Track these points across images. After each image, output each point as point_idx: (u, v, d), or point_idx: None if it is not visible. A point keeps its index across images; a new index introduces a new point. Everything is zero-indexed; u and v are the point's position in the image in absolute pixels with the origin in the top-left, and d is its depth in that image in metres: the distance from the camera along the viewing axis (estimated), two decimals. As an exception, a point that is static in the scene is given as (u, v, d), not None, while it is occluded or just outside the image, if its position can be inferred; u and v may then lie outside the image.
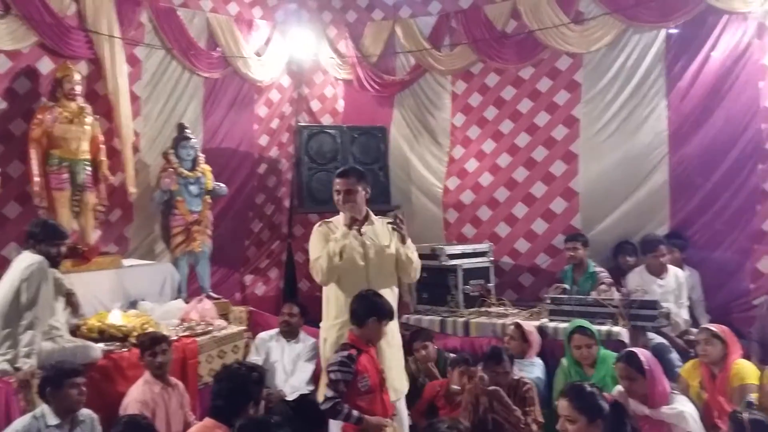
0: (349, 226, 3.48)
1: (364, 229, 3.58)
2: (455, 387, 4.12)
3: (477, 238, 6.30)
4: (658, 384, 3.28)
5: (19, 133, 5.02)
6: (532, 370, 4.37)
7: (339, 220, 3.61)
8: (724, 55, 5.41)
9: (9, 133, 5.06)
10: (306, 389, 4.58)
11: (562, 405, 2.77)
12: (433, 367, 4.59)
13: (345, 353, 3.14)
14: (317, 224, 3.66)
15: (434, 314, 5.25)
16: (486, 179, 6.45)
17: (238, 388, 2.87)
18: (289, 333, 4.81)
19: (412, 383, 4.42)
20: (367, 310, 3.24)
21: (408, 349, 4.78)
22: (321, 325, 3.68)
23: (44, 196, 4.83)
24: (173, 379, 3.85)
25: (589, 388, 2.80)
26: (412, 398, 4.31)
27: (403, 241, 3.62)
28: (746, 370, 3.76)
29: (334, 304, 3.56)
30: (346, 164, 5.95)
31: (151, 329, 4.40)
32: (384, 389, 3.27)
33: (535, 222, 6.20)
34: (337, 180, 3.61)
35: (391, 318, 3.31)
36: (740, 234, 5.36)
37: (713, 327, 3.92)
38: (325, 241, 3.51)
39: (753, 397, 3.42)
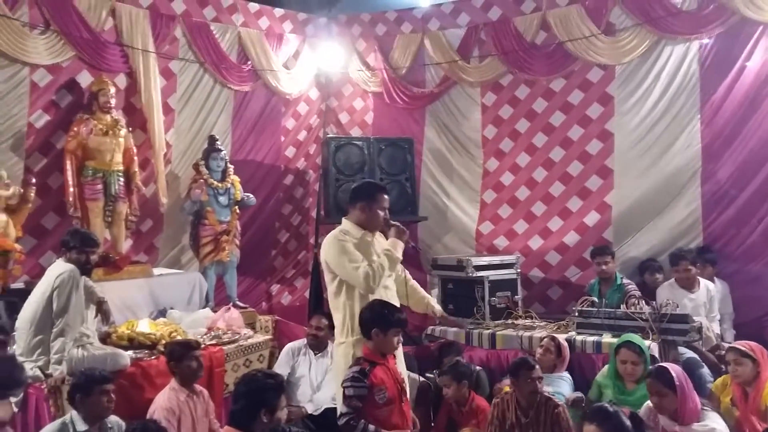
0: (402, 240, 3.47)
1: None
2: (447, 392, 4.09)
3: (508, 249, 6.27)
4: (689, 400, 3.19)
5: (60, 146, 5.17)
6: (560, 384, 4.29)
7: (352, 230, 3.51)
8: (758, 66, 5.32)
9: (50, 145, 5.24)
10: (331, 403, 4.56)
11: (589, 430, 2.74)
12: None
13: (357, 368, 3.13)
14: (334, 236, 3.47)
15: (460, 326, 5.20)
16: (523, 193, 6.44)
17: (252, 393, 2.89)
18: (317, 346, 4.76)
19: (440, 395, 4.41)
20: (370, 322, 3.22)
21: (437, 362, 4.76)
22: (341, 340, 3.51)
23: (78, 206, 4.97)
24: (198, 387, 3.88)
25: (611, 409, 2.76)
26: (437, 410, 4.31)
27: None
28: (779, 388, 3.64)
29: (348, 319, 3.44)
30: (374, 176, 6.05)
31: (179, 337, 4.47)
32: (404, 399, 3.25)
33: (568, 235, 6.15)
34: (387, 198, 3.59)
35: (398, 327, 3.24)
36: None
37: (742, 346, 3.75)
38: (359, 251, 3.41)
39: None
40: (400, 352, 3.61)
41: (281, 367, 4.67)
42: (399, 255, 3.45)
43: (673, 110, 5.69)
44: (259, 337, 5.01)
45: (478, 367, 4.63)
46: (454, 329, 5.15)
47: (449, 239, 6.73)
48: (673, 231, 5.65)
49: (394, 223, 3.53)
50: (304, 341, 4.81)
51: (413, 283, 3.86)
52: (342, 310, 3.47)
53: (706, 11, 5.50)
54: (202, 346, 4.43)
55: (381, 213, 3.52)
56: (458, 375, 4.11)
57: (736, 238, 5.42)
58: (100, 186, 5.06)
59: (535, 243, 6.30)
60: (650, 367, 3.52)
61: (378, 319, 3.21)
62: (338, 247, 3.42)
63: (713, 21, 5.47)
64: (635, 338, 4.01)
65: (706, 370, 4.40)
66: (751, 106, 5.36)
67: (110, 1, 5.50)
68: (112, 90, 5.22)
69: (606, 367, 4.12)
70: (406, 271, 3.82)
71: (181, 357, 3.77)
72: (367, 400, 3.08)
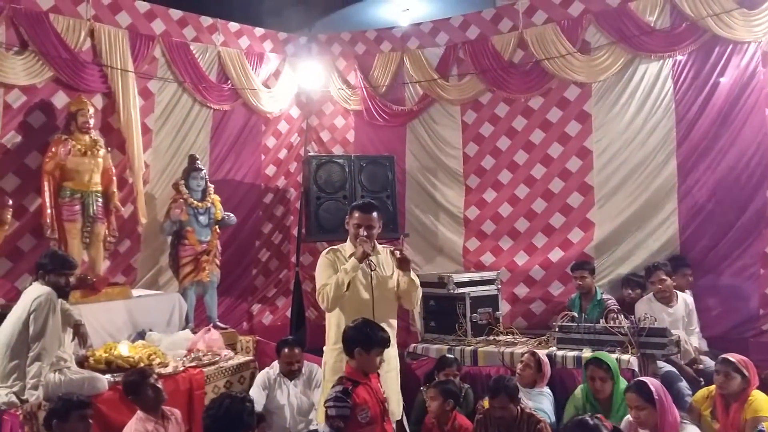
0: (361, 260, 3.49)
1: (373, 260, 3.59)
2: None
3: (495, 266, 6.31)
4: (668, 414, 3.23)
5: (35, 167, 5.13)
6: (541, 400, 4.31)
7: (346, 247, 3.66)
8: (730, 83, 5.43)
9: (25, 166, 5.18)
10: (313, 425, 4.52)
11: None
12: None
13: (340, 388, 3.11)
14: (325, 252, 3.69)
15: (442, 343, 5.22)
16: (506, 210, 6.50)
17: (222, 416, 2.87)
18: (292, 373, 4.65)
19: (423, 414, 4.40)
20: (353, 341, 3.22)
21: (428, 378, 4.74)
22: (324, 348, 3.71)
23: (55, 228, 4.91)
24: (169, 410, 3.78)
25: (591, 422, 2.77)
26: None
27: (407, 268, 3.61)
28: (761, 402, 3.68)
29: (335, 330, 3.58)
30: (355, 194, 6.06)
31: (158, 360, 4.42)
32: (386, 419, 3.24)
33: (553, 251, 6.21)
34: (360, 215, 3.60)
35: (381, 347, 3.24)
36: (749, 260, 5.33)
37: (734, 358, 3.78)
38: (333, 269, 3.55)
39: (765, 425, 3.34)
40: (395, 365, 3.64)
41: (257, 395, 4.49)
42: (349, 273, 3.45)
43: (649, 127, 5.78)
44: (240, 358, 4.98)
45: (466, 385, 4.64)
46: (436, 346, 5.16)
47: (437, 256, 6.76)
48: (651, 246, 5.71)
49: (362, 240, 3.54)
50: (277, 369, 4.67)
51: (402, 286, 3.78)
52: (327, 320, 3.68)
53: (678, 30, 5.61)
54: (179, 369, 4.38)
55: (354, 230, 3.59)
56: (446, 392, 4.12)
57: (712, 251, 5.49)
58: (78, 207, 5.01)
59: (521, 259, 6.35)
60: (630, 381, 3.55)
61: (361, 338, 3.20)
62: (319, 263, 3.66)
63: (686, 39, 5.58)
64: (603, 355, 4.09)
65: (684, 384, 4.45)
66: (724, 123, 5.46)
67: (89, 21, 5.50)
68: (91, 110, 5.19)
69: (578, 389, 4.16)
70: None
71: (138, 388, 3.67)
72: (349, 419, 3.06)
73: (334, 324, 3.60)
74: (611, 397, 3.97)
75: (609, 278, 5.86)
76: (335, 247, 3.72)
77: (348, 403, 3.05)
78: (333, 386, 3.19)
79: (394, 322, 3.68)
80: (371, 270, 3.55)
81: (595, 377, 3.99)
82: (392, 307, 3.68)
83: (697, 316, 5.17)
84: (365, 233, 3.55)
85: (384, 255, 3.70)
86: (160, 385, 3.75)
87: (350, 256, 3.55)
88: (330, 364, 3.57)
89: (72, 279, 4.07)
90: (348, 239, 3.69)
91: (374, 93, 6.97)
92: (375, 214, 3.62)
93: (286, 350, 4.63)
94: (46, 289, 3.81)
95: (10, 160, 5.11)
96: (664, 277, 5.08)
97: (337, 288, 3.43)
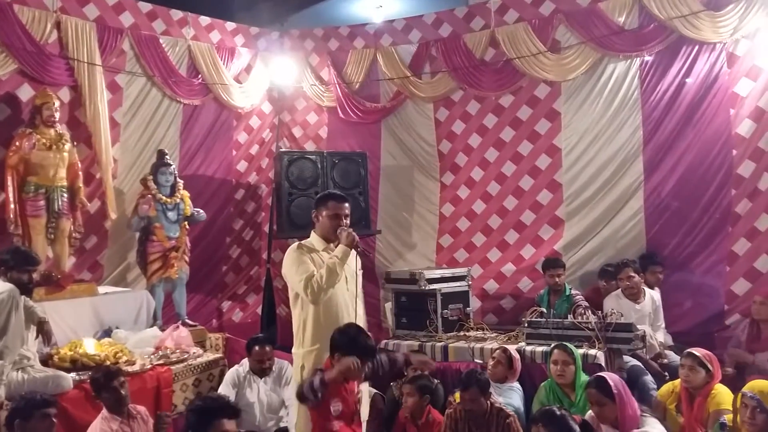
0: (350, 246, 3.38)
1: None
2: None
3: (468, 262, 6.35)
4: (628, 407, 3.29)
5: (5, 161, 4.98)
6: (511, 395, 4.34)
7: (314, 242, 3.55)
8: (696, 83, 5.54)
9: (-11, 160, 5.04)
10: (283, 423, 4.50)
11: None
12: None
13: (319, 376, 3.01)
14: (294, 246, 3.53)
15: (413, 339, 5.23)
16: (479, 206, 6.54)
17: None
18: (262, 371, 4.59)
19: (395, 409, 4.40)
20: (337, 344, 3.10)
21: (397, 374, 4.73)
22: (294, 351, 3.56)
23: (19, 223, 4.80)
24: (135, 409, 3.71)
25: (558, 412, 2.81)
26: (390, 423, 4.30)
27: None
28: (723, 395, 3.74)
29: (311, 328, 3.43)
30: (327, 189, 6.01)
31: (125, 358, 4.36)
32: (357, 420, 3.19)
33: (525, 248, 6.27)
34: (339, 204, 3.52)
35: (366, 357, 3.10)
36: (714, 256, 5.45)
37: (699, 353, 3.84)
38: (310, 261, 3.42)
39: (726, 418, 3.41)
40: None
41: (226, 392, 4.39)
42: (342, 260, 3.35)
43: (616, 125, 5.87)
44: (209, 356, 4.93)
45: (436, 380, 4.65)
46: (408, 342, 5.17)
47: (408, 253, 6.78)
48: (618, 243, 5.81)
49: (343, 228, 3.46)
50: (246, 366, 4.61)
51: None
52: (297, 321, 3.51)
53: (646, 30, 5.70)
54: (147, 367, 4.33)
55: (332, 221, 3.48)
56: (422, 388, 4.12)
57: (678, 248, 5.59)
58: (42, 202, 4.90)
59: (494, 255, 6.41)
60: (590, 377, 3.61)
61: (345, 344, 3.08)
62: (291, 258, 3.47)
63: (653, 39, 5.68)
64: (567, 344, 4.20)
65: (649, 378, 4.53)
66: (690, 122, 5.56)
67: (55, 13, 5.38)
68: (57, 104, 5.08)
69: (543, 384, 4.22)
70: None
71: (104, 386, 3.59)
72: (321, 407, 3.01)
73: (311, 321, 3.43)
74: (574, 389, 4.05)
75: (577, 275, 5.93)
76: (302, 242, 3.57)
77: (324, 388, 2.97)
78: (312, 375, 3.10)
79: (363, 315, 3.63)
80: (366, 255, 3.49)
81: (558, 360, 4.08)
82: (361, 301, 3.60)
83: (663, 312, 5.26)
84: (346, 222, 3.50)
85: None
86: (125, 389, 3.64)
87: (325, 249, 3.47)
88: (309, 367, 3.37)
89: (35, 275, 3.99)
90: (312, 233, 3.59)
91: (348, 90, 6.95)
92: (347, 203, 3.58)
93: (257, 348, 4.57)
94: (9, 285, 3.73)
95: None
96: (632, 274, 5.15)
97: (330, 275, 3.29)
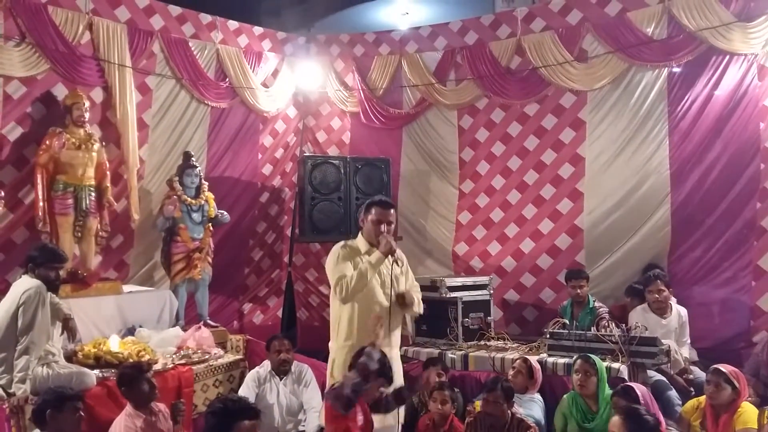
0: (386, 255, 3.53)
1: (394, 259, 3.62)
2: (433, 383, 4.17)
3: (484, 271, 6.31)
4: (655, 419, 3.23)
5: (34, 159, 5.06)
6: (531, 406, 4.31)
7: (359, 243, 3.70)
8: (725, 95, 5.46)
9: (23, 158, 5.14)
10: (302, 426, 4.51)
11: None
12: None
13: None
14: (340, 245, 3.71)
15: (433, 346, 5.21)
16: (497, 215, 6.51)
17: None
18: (283, 371, 4.58)
19: (413, 416, 4.38)
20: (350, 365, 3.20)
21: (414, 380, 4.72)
22: (330, 345, 3.72)
23: (47, 221, 4.87)
24: (157, 406, 3.74)
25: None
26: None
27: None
28: (749, 414, 3.69)
29: (346, 325, 3.60)
30: (350, 195, 6.13)
31: (147, 356, 4.39)
32: None
33: (541, 258, 6.22)
34: (379, 210, 3.67)
35: (378, 380, 3.16)
36: (740, 271, 5.36)
37: (725, 369, 3.78)
38: (351, 261, 3.58)
39: (753, 437, 3.35)
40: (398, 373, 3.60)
41: (247, 393, 4.44)
42: (375, 266, 3.50)
43: (642, 135, 5.80)
44: (230, 357, 4.96)
45: (456, 389, 4.63)
46: (427, 350, 5.15)
47: (428, 259, 6.77)
48: (643, 256, 5.73)
49: (384, 235, 3.58)
50: (267, 367, 4.62)
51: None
52: (334, 315, 3.70)
53: (675, 40, 5.64)
54: (168, 366, 4.36)
55: (375, 226, 3.63)
56: (451, 396, 4.15)
57: (702, 261, 5.52)
58: (70, 200, 4.97)
59: (509, 265, 6.37)
60: (617, 386, 3.56)
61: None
62: (334, 256, 3.66)
63: (682, 49, 5.61)
64: (591, 355, 4.16)
65: (673, 393, 4.45)
66: (718, 133, 5.48)
67: (88, 15, 5.47)
68: (87, 104, 5.16)
69: (566, 396, 4.17)
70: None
71: (132, 381, 3.64)
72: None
73: (346, 318, 3.60)
74: (597, 401, 4.00)
75: (601, 287, 5.85)
76: (348, 242, 3.75)
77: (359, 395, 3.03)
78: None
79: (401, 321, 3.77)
80: (399, 266, 3.64)
81: (580, 370, 4.04)
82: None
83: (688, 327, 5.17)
84: (386, 228, 3.61)
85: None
86: (155, 381, 3.72)
87: (367, 252, 3.59)
88: (339, 362, 3.55)
89: (62, 272, 4.05)
90: (359, 234, 3.74)
91: (371, 95, 6.97)
92: (393, 210, 3.72)
93: (276, 342, 4.62)
94: (36, 282, 3.78)
95: (9, 151, 5.06)
96: (663, 288, 5.02)
97: (360, 279, 3.47)
